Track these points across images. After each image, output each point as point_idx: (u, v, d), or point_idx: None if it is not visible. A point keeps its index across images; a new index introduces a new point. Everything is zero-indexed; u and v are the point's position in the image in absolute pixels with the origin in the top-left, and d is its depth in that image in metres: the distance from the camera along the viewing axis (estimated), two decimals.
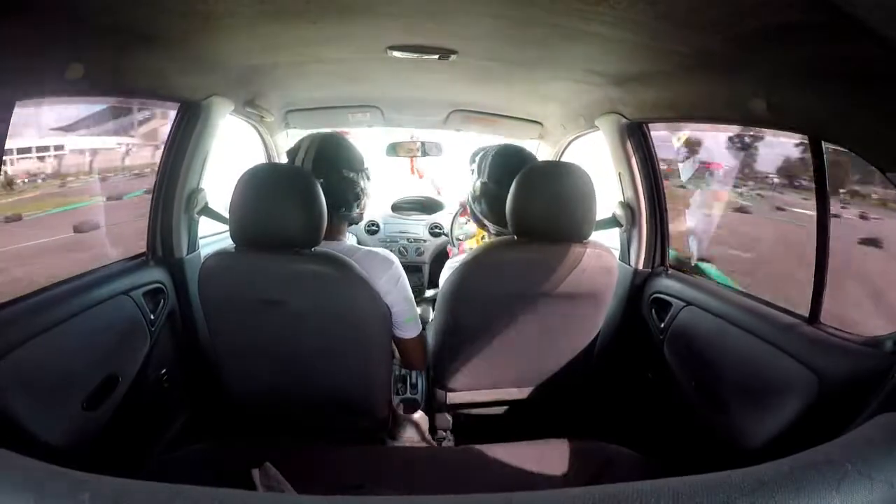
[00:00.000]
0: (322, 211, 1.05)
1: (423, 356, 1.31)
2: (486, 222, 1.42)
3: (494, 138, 2.10)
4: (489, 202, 1.36)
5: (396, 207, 2.63)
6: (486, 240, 1.56)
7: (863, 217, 1.15)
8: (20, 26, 0.77)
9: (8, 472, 0.39)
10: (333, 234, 1.20)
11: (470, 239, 2.19)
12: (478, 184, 1.39)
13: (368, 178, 1.27)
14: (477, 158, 1.46)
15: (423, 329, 1.31)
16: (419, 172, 2.90)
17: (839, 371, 0.89)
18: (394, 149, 2.50)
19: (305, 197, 1.03)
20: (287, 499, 0.60)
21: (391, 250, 2.43)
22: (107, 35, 0.94)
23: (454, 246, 2.24)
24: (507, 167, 1.30)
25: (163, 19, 0.94)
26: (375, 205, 2.61)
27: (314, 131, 1.35)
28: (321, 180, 1.08)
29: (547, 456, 1.10)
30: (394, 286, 1.14)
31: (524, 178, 1.16)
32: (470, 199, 1.46)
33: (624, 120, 1.45)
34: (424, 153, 2.47)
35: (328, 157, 1.18)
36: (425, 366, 1.38)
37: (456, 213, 2.35)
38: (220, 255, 1.08)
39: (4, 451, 0.41)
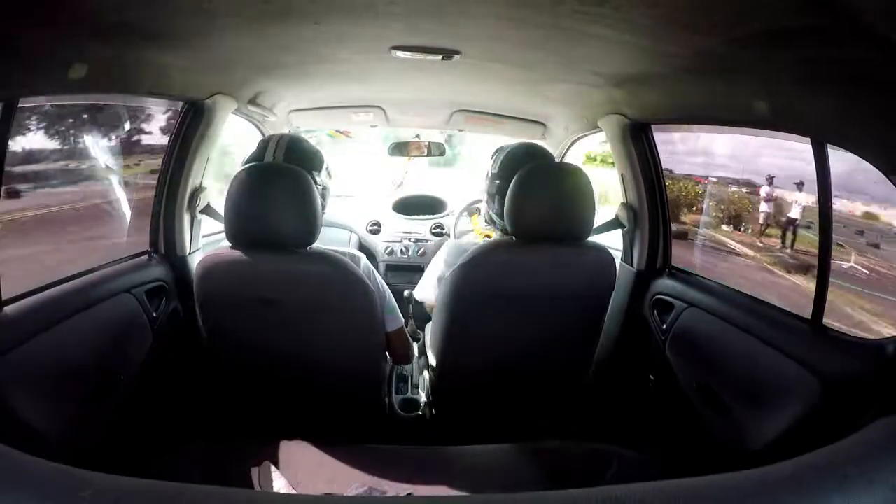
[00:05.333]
0: (317, 210, 1.06)
1: (407, 348, 1.31)
2: (498, 222, 1.39)
3: (497, 139, 2.10)
4: (501, 201, 1.32)
5: (399, 207, 2.63)
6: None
7: None
8: (22, 25, 0.77)
9: (9, 470, 0.39)
10: None
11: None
12: (492, 182, 1.38)
13: (330, 177, 1.28)
14: (493, 157, 1.44)
15: (405, 323, 1.31)
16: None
17: (841, 374, 0.88)
18: (397, 148, 2.49)
19: (301, 197, 1.03)
20: (287, 498, 0.60)
21: (394, 250, 2.47)
22: (110, 34, 0.93)
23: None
24: (521, 164, 1.27)
25: (166, 18, 0.94)
26: (378, 205, 2.61)
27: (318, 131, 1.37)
28: None
29: (548, 457, 1.10)
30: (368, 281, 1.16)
31: (523, 179, 1.16)
32: (486, 198, 1.44)
33: (627, 121, 1.45)
34: (429, 153, 2.47)
35: (297, 158, 1.18)
36: (411, 359, 1.39)
37: (460, 213, 2.35)
38: (215, 254, 1.08)
39: (5, 448, 0.41)
